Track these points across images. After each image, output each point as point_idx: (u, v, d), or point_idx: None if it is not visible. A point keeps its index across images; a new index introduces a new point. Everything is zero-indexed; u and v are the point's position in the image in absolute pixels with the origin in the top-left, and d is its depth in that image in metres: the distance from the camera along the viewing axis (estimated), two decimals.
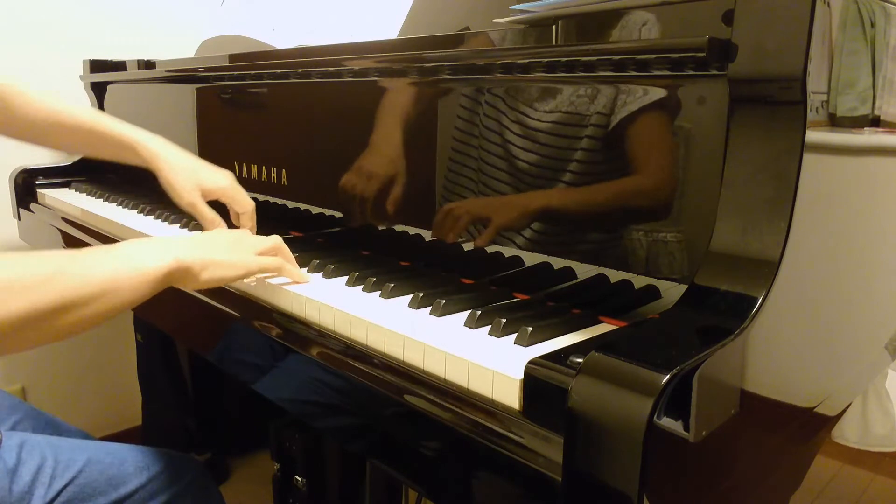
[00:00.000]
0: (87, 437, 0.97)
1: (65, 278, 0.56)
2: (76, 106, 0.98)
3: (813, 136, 0.48)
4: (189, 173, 0.88)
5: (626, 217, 0.61)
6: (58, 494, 0.73)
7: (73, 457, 0.76)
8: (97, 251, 0.62)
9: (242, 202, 0.90)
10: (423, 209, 0.79)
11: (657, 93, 0.58)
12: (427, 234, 0.78)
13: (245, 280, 0.77)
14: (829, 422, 0.62)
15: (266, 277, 0.75)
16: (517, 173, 0.69)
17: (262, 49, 1.16)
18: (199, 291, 0.82)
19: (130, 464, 0.81)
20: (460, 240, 0.75)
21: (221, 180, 0.90)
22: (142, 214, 1.15)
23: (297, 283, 0.74)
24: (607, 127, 0.61)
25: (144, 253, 0.63)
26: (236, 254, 0.71)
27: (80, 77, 1.50)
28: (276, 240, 0.76)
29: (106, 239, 1.08)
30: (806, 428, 0.59)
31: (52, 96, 0.97)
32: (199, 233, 0.85)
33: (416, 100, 0.79)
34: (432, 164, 0.77)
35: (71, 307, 0.55)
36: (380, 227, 0.84)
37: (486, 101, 0.71)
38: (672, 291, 0.58)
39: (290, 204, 0.98)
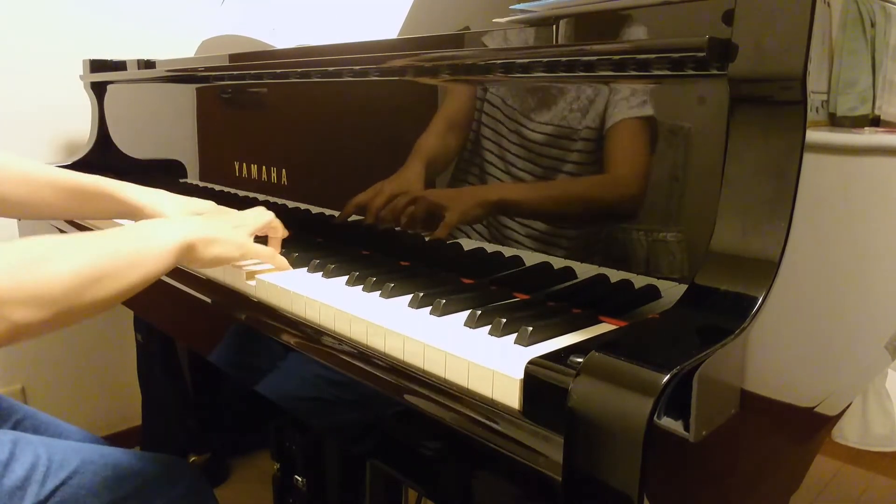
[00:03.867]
0: (88, 435, 0.97)
1: (100, 250, 0.61)
2: (53, 168, 0.93)
3: (813, 135, 0.48)
4: (175, 201, 0.88)
5: (626, 216, 0.61)
6: (51, 494, 0.72)
7: (67, 457, 0.76)
8: (117, 231, 0.66)
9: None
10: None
11: (657, 92, 0.58)
12: (428, 235, 0.78)
13: (246, 280, 0.77)
14: (829, 422, 0.62)
15: (266, 278, 0.75)
16: (514, 172, 0.69)
17: (262, 49, 1.16)
18: (200, 291, 0.82)
19: (125, 468, 0.80)
20: (455, 239, 0.75)
21: (205, 205, 0.90)
22: None
23: (277, 271, 0.79)
24: (608, 127, 0.61)
25: (160, 230, 0.69)
26: (236, 234, 0.76)
27: (80, 77, 1.50)
28: (270, 216, 0.82)
29: None
30: (806, 428, 0.59)
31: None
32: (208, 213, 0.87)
33: (417, 99, 0.78)
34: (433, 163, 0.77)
35: (104, 278, 0.60)
36: (380, 227, 0.84)
37: (486, 101, 0.71)
38: (672, 291, 0.58)
39: (290, 204, 0.98)
